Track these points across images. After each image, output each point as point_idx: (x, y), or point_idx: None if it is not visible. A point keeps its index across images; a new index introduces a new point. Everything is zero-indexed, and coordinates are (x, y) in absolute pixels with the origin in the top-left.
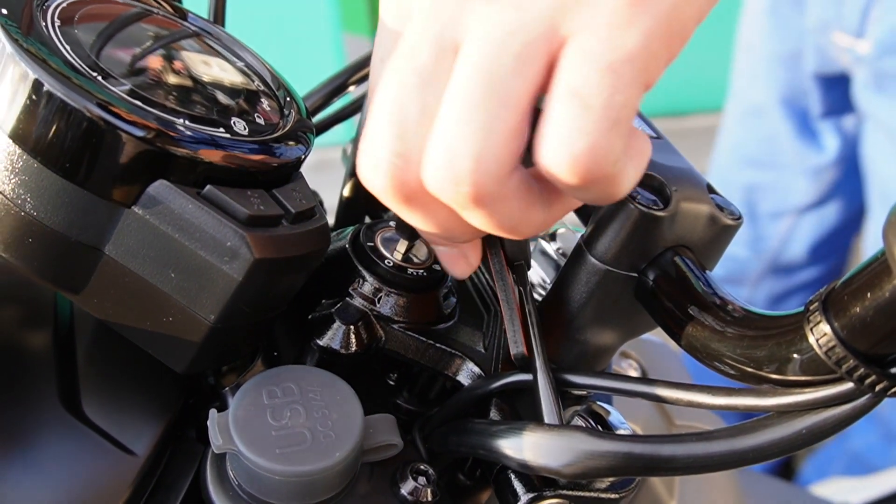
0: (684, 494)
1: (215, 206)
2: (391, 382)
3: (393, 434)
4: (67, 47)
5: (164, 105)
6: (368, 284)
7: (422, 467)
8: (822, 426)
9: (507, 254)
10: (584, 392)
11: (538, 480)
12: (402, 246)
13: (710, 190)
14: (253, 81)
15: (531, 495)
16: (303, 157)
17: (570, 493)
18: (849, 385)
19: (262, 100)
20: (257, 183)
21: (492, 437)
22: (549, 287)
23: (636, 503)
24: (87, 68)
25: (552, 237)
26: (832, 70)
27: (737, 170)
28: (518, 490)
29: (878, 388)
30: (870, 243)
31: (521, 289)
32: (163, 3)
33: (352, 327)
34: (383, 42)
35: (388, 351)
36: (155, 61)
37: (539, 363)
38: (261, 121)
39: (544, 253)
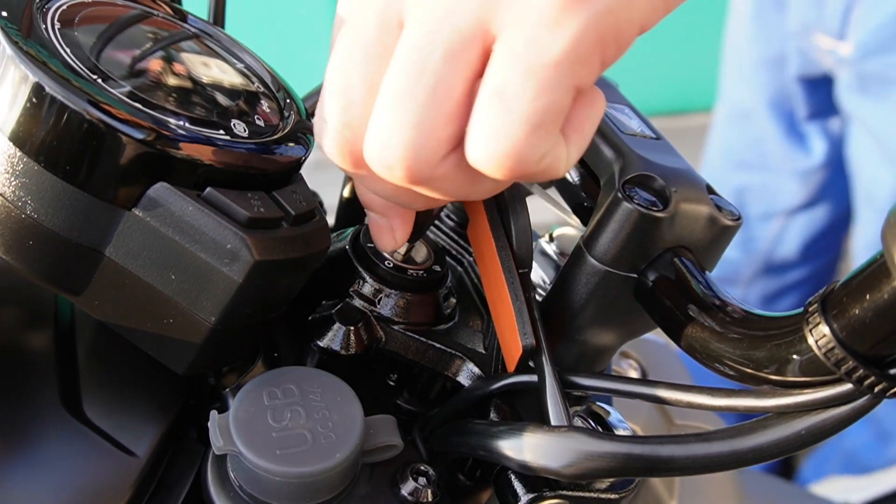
0: (684, 494)
1: (215, 208)
2: (391, 383)
3: (393, 435)
4: (67, 50)
5: (163, 107)
6: (368, 285)
7: (422, 468)
8: (822, 427)
9: (515, 258)
10: (584, 393)
11: (538, 481)
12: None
13: (710, 191)
14: (252, 83)
15: (531, 496)
16: (303, 158)
17: (570, 493)
18: (848, 386)
19: (262, 101)
20: (257, 185)
21: (492, 437)
22: (548, 288)
23: (636, 503)
24: (87, 71)
25: (552, 238)
26: (815, 72)
27: (727, 172)
28: (518, 490)
29: (877, 390)
30: (858, 246)
31: (526, 295)
32: (162, 4)
33: (352, 328)
34: (343, 4)
35: (389, 352)
36: (155, 63)
37: (545, 364)
38: (260, 122)
39: (544, 253)
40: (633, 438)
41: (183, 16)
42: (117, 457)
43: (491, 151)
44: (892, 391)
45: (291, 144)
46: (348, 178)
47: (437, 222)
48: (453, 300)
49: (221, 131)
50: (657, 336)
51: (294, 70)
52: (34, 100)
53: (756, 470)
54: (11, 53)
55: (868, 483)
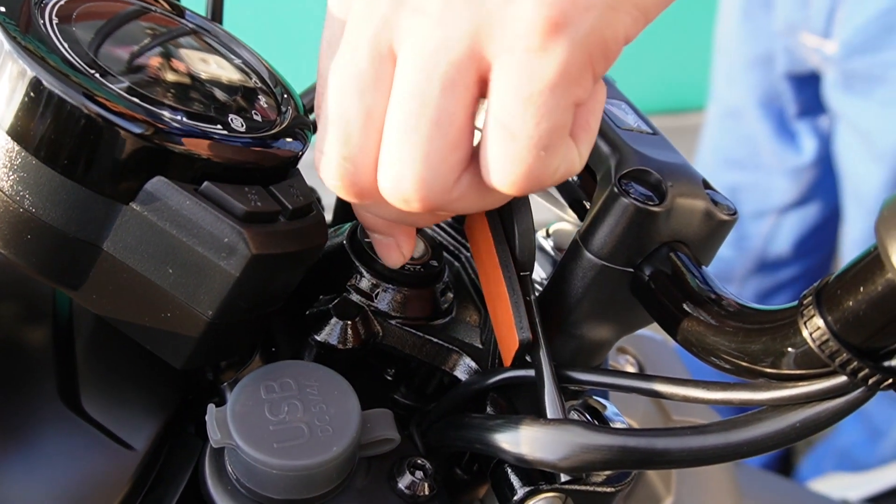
0: (681, 490)
1: (213, 202)
2: (389, 378)
3: (390, 429)
4: (65, 45)
5: (161, 102)
6: (366, 280)
7: (419, 461)
8: (816, 419)
9: (515, 259)
10: (580, 388)
11: (535, 474)
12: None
13: (706, 185)
14: (250, 78)
15: (528, 489)
16: (300, 153)
17: (566, 486)
18: (842, 378)
19: (260, 97)
20: (255, 179)
21: (488, 431)
22: (545, 283)
23: (633, 499)
24: (84, 66)
25: (548, 234)
26: (802, 70)
27: (719, 170)
28: (515, 484)
29: (871, 382)
30: (847, 244)
31: (525, 293)
32: (160, 0)
33: (349, 323)
34: (330, 25)
35: (386, 346)
36: (152, 59)
37: (542, 358)
38: (258, 117)
39: (541, 249)
40: (629, 431)
41: (181, 11)
42: (115, 450)
43: (506, 176)
44: (887, 383)
45: (289, 139)
46: None
47: None
48: (450, 295)
49: (219, 126)
50: (655, 332)
51: (292, 66)
52: (32, 94)
53: (754, 467)
54: (10, 48)
55: (865, 480)
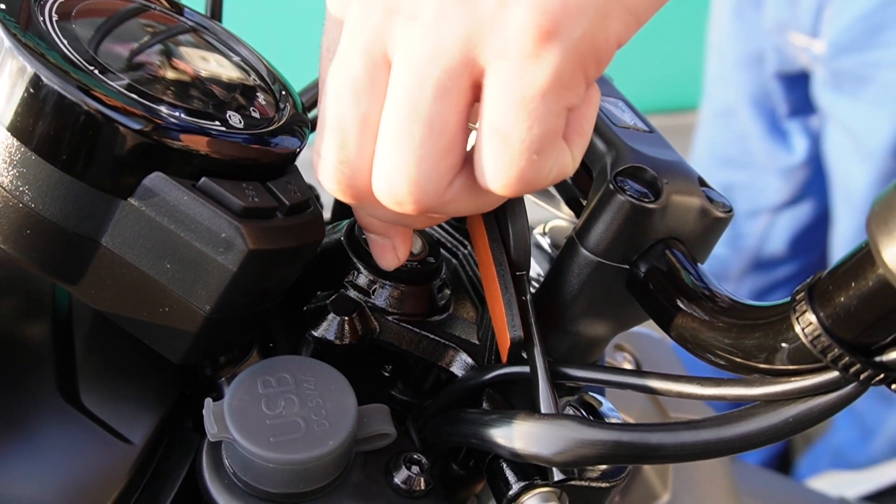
0: (678, 486)
1: (210, 197)
2: (386, 374)
3: (386, 423)
4: (65, 42)
5: (160, 98)
6: (363, 276)
7: (415, 456)
8: (809, 414)
9: (511, 259)
10: (577, 384)
11: (530, 470)
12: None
13: (702, 183)
14: (249, 76)
15: (522, 484)
16: (297, 149)
17: (561, 482)
18: (834, 374)
19: (258, 94)
20: (252, 175)
21: (484, 426)
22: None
23: (630, 495)
24: (84, 63)
25: (545, 231)
26: (792, 69)
27: (713, 169)
28: (510, 479)
29: (862, 377)
30: (837, 244)
31: (522, 298)
32: None
33: (346, 319)
34: (329, 29)
35: (383, 342)
36: (151, 56)
37: (536, 353)
38: (256, 114)
39: (538, 246)
40: (623, 426)
41: (179, 9)
42: (113, 444)
43: (499, 179)
44: (878, 378)
45: (286, 136)
46: None
47: None
48: (447, 292)
49: (217, 122)
50: (652, 330)
51: (290, 64)
52: (32, 91)
53: (751, 464)
54: (10, 45)
55: (863, 478)
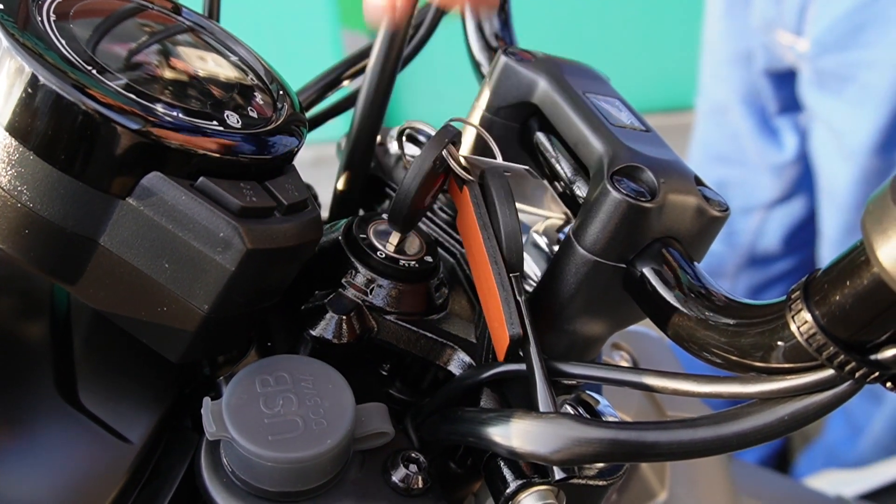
0: (675, 485)
1: (208, 197)
2: (384, 373)
3: (384, 422)
4: (63, 42)
5: (158, 98)
6: (361, 276)
7: (413, 455)
8: (804, 413)
9: (504, 259)
10: (575, 382)
11: (528, 468)
12: (394, 238)
13: (698, 182)
14: (247, 75)
15: (520, 482)
16: (295, 149)
17: (559, 480)
18: (830, 372)
19: (256, 93)
20: (250, 175)
21: (481, 424)
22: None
23: (627, 494)
24: (82, 63)
25: (543, 230)
26: (780, 67)
27: (707, 166)
28: (507, 477)
29: (857, 375)
30: (824, 243)
31: (517, 299)
32: None
33: (344, 318)
34: None
35: (381, 341)
36: (149, 56)
37: (533, 351)
38: (254, 114)
39: (536, 246)
40: (620, 424)
41: (177, 9)
42: (112, 443)
43: None
44: (873, 377)
45: (284, 135)
46: (342, 172)
47: (431, 215)
48: (445, 290)
49: (214, 122)
50: (650, 329)
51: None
52: (30, 91)
53: (749, 462)
54: (8, 45)
55: (861, 476)
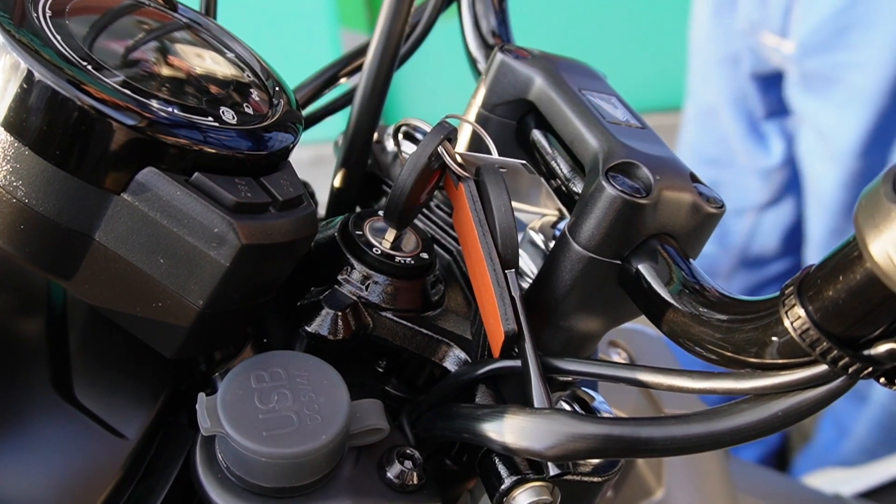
0: (672, 482)
1: (203, 192)
2: (380, 370)
3: (379, 418)
4: (59, 38)
5: (153, 94)
6: (357, 272)
7: (408, 451)
8: (798, 408)
9: (500, 255)
10: (570, 378)
11: (522, 464)
12: (390, 234)
13: (694, 179)
14: (243, 72)
15: (514, 478)
16: (290, 146)
17: (554, 476)
18: (823, 367)
19: (252, 90)
20: (245, 171)
21: (476, 420)
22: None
23: (623, 491)
24: (78, 59)
25: (539, 227)
26: (766, 69)
27: (698, 168)
28: (502, 473)
29: (851, 371)
30: (811, 246)
31: (512, 295)
32: None
33: (340, 314)
34: None
35: (376, 338)
36: (145, 52)
37: (528, 348)
38: (249, 110)
39: (532, 243)
40: (613, 420)
41: (173, 6)
42: (107, 439)
43: None
44: (866, 372)
45: (280, 132)
46: (339, 169)
47: (428, 213)
48: (441, 287)
49: (210, 118)
50: (647, 326)
51: (291, 64)
52: (25, 87)
53: (747, 460)
54: (3, 42)
55: (859, 475)
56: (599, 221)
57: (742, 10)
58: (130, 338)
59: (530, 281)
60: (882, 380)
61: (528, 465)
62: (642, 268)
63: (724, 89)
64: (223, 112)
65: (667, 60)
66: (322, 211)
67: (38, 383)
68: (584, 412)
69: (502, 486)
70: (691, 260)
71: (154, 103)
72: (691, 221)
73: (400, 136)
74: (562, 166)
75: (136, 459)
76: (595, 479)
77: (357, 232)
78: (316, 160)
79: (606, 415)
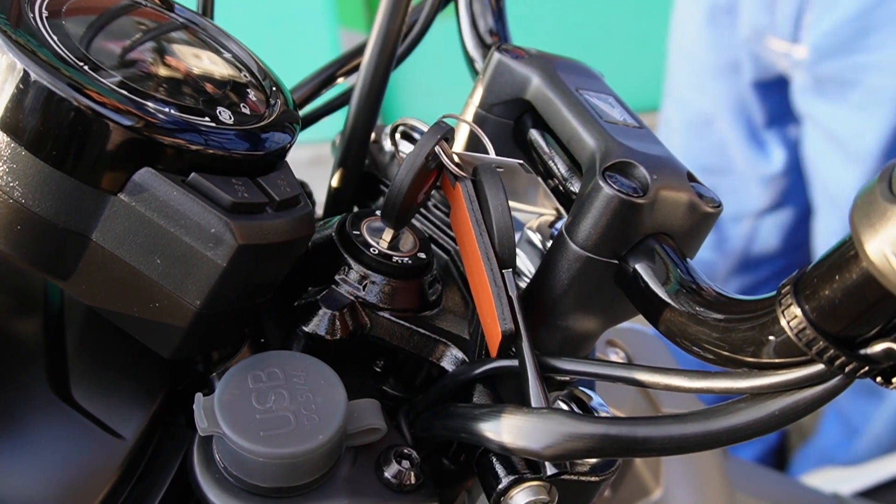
0: (670, 482)
1: (200, 193)
2: (378, 369)
3: (377, 418)
4: (55, 39)
5: (150, 95)
6: (354, 272)
7: (405, 451)
8: (794, 408)
9: (497, 255)
10: (567, 378)
11: (520, 463)
12: (387, 234)
13: (691, 178)
14: (240, 72)
15: (512, 478)
16: (287, 146)
17: (551, 476)
18: (820, 367)
19: (249, 90)
20: (242, 171)
21: (473, 420)
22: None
23: (621, 490)
24: (74, 59)
25: (537, 227)
26: (769, 76)
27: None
28: (499, 473)
29: (847, 370)
30: (819, 244)
31: (509, 294)
32: None
33: (337, 314)
34: None
35: (374, 338)
36: (142, 53)
37: (525, 347)
38: (246, 110)
39: (529, 242)
40: (610, 419)
41: (170, 6)
42: (105, 439)
43: None
44: (863, 371)
45: (277, 132)
46: (337, 168)
47: (425, 212)
48: (438, 287)
49: (207, 119)
50: (645, 326)
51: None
52: (22, 87)
53: (745, 460)
54: (0, 42)
55: (857, 474)
56: (596, 221)
57: (744, 17)
58: (128, 338)
59: (528, 280)
60: (878, 379)
61: (525, 465)
62: (639, 267)
63: (721, 97)
64: (220, 112)
65: (664, 60)
66: (319, 211)
67: (35, 383)
68: (581, 412)
69: (500, 486)
70: (688, 259)
71: (151, 104)
72: (688, 221)
73: (397, 135)
74: (559, 166)
75: (134, 460)
76: (592, 479)
77: (354, 232)
78: (314, 160)
79: (604, 414)
